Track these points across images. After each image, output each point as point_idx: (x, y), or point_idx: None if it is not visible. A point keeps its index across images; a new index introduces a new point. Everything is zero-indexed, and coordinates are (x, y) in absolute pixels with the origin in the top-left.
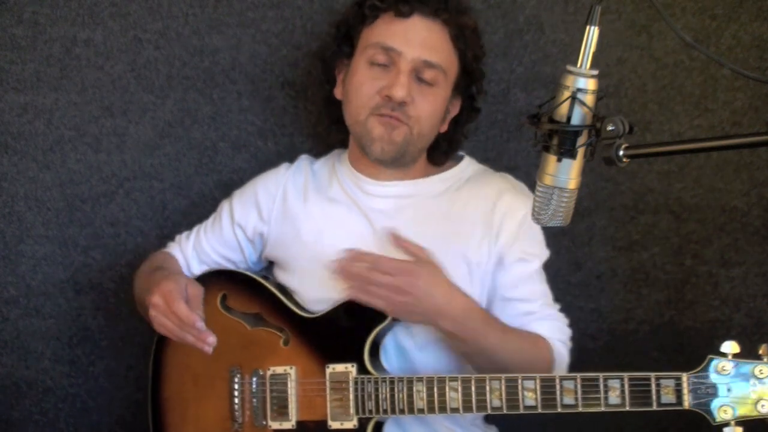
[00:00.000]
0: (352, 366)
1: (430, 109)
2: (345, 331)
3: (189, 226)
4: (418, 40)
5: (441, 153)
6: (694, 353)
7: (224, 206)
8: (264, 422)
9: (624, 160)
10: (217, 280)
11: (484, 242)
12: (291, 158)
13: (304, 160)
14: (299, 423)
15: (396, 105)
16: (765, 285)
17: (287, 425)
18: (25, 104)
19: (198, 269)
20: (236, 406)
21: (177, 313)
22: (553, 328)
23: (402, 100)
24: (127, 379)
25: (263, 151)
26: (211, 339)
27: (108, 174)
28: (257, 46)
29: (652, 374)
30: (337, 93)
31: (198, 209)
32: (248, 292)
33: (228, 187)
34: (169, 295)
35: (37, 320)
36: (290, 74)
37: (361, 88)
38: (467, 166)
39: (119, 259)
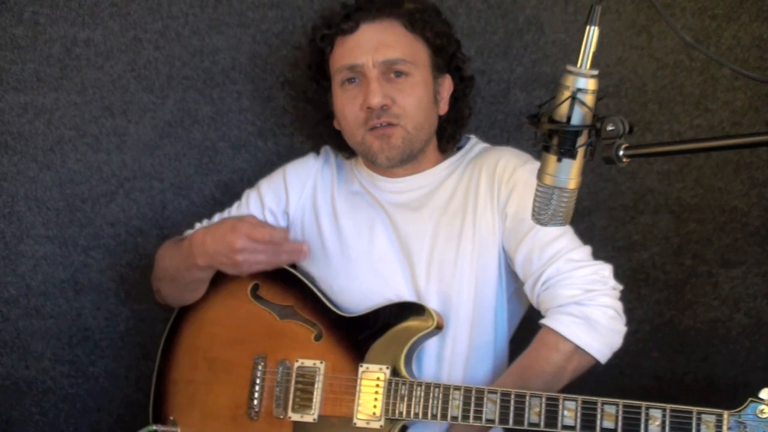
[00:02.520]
0: (387, 368)
1: (413, 99)
2: (383, 333)
3: (189, 226)
4: (372, 45)
5: (448, 137)
6: (694, 353)
7: (251, 194)
8: (284, 413)
9: (624, 160)
10: None
11: (488, 211)
12: (291, 158)
13: (329, 152)
14: (321, 417)
15: (379, 111)
16: (765, 285)
17: (308, 418)
18: (25, 104)
19: None
20: (256, 394)
21: (268, 239)
22: (563, 297)
23: (381, 105)
24: (127, 379)
25: (263, 151)
26: (306, 247)
27: (108, 174)
28: (257, 46)
29: (694, 408)
30: (336, 125)
31: (198, 209)
32: (282, 284)
33: (228, 187)
34: (251, 230)
35: (37, 320)
36: (290, 74)
37: (344, 110)
38: (472, 146)
39: (119, 259)
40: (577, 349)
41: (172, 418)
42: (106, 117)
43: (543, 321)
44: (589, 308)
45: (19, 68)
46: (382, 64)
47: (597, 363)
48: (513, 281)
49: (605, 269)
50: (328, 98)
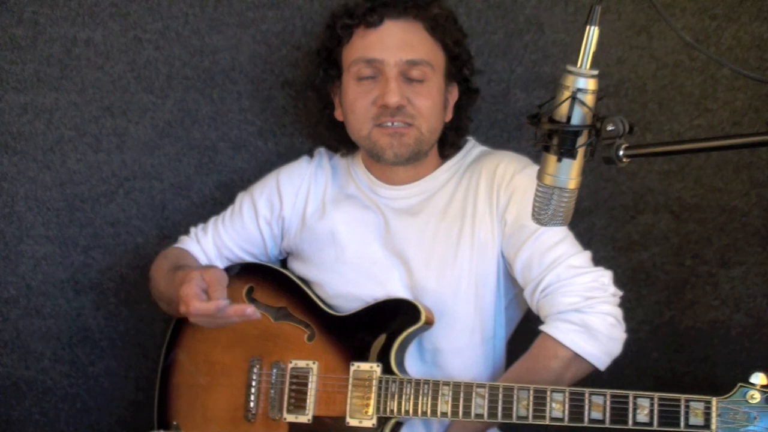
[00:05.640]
0: (378, 365)
1: (428, 103)
2: (374, 331)
3: (189, 226)
4: (395, 44)
5: (450, 143)
6: (694, 353)
7: (244, 200)
8: (279, 414)
9: (624, 160)
10: (244, 272)
11: (487, 215)
12: (291, 158)
13: (323, 155)
14: (316, 418)
15: (394, 110)
16: (765, 285)
17: (303, 419)
18: (25, 104)
19: (220, 264)
20: (252, 397)
21: (201, 313)
22: (563, 304)
23: (397, 105)
24: (127, 379)
25: (263, 151)
26: (250, 310)
27: (108, 174)
28: (257, 46)
29: (682, 396)
30: (338, 115)
31: (198, 209)
32: (275, 286)
33: (228, 187)
34: (188, 302)
35: (37, 320)
36: (290, 74)
37: (356, 104)
38: (470, 149)
39: (119, 259)
40: (576, 357)
41: (175, 423)
42: (106, 117)
43: (542, 327)
44: (589, 316)
45: (19, 68)
46: (404, 63)
47: (596, 370)
48: (512, 287)
49: (605, 276)
50: (332, 88)
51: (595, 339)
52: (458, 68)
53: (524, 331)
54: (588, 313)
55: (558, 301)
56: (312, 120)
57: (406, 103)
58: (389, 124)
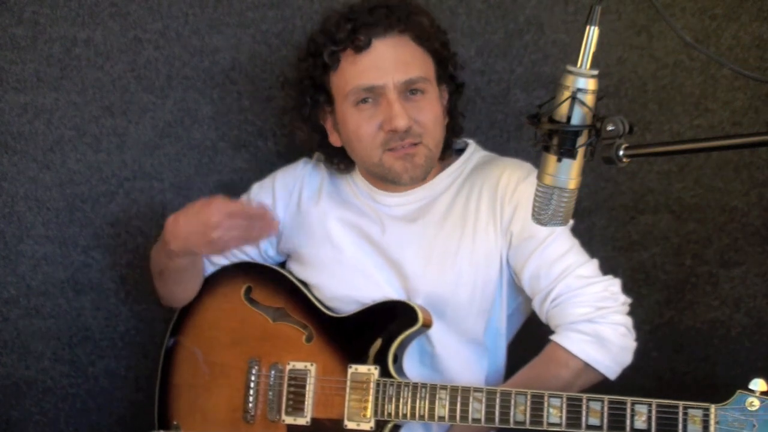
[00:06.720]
0: (375, 368)
1: (431, 116)
2: (371, 333)
3: None
4: (390, 65)
5: (447, 146)
6: (694, 353)
7: (242, 199)
8: (278, 416)
9: (624, 160)
10: (243, 272)
11: (490, 227)
12: (291, 158)
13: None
14: (314, 420)
15: (402, 134)
16: (765, 285)
17: (302, 421)
18: (25, 104)
19: (215, 257)
20: (251, 398)
21: (242, 212)
22: (575, 315)
23: (406, 128)
24: (127, 379)
25: (263, 151)
26: (276, 222)
27: (108, 174)
28: (257, 46)
29: (680, 403)
30: (334, 140)
31: None
32: (274, 286)
33: (228, 187)
34: (226, 205)
35: (37, 320)
36: (290, 74)
37: (360, 131)
38: (471, 154)
39: (119, 259)
40: (587, 367)
41: (175, 422)
42: (106, 117)
43: (553, 338)
44: (601, 326)
45: (19, 68)
46: (403, 84)
47: (605, 378)
48: (517, 295)
49: (614, 285)
50: (321, 114)
51: (606, 349)
52: (445, 68)
53: (524, 334)
54: (600, 323)
55: (569, 311)
56: (306, 147)
57: (412, 124)
58: (399, 147)
